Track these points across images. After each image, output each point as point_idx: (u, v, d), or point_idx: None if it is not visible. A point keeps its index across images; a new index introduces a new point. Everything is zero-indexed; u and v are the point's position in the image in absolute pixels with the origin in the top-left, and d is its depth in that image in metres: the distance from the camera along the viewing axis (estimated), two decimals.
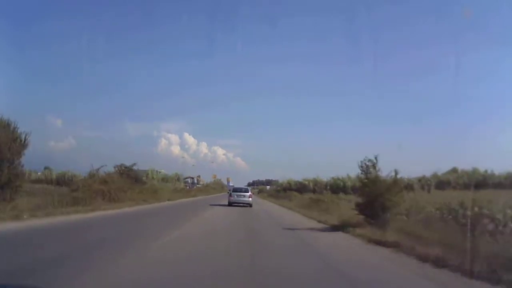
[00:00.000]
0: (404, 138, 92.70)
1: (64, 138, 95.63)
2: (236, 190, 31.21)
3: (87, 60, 74.77)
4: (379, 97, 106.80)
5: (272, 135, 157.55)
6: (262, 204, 37.86)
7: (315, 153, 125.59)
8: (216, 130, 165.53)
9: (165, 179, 38.80)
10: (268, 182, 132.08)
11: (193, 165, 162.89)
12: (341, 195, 41.82)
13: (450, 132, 75.56)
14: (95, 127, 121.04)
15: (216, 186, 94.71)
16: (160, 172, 38.30)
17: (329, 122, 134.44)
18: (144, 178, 34.70)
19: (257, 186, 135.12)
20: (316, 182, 54.76)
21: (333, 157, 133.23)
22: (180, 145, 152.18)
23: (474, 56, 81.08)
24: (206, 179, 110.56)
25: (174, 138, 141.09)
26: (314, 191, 52.73)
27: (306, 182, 55.89)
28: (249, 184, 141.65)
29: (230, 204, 28.43)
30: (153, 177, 35.11)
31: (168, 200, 30.95)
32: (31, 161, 24.71)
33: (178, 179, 42.57)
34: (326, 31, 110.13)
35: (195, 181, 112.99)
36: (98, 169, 24.26)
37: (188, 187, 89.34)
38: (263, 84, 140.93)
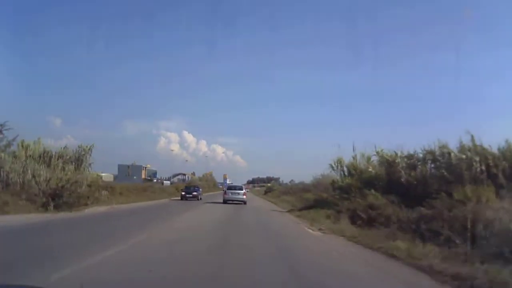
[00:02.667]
0: None
1: (63, 137, 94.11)
2: (230, 188, 32.74)
3: (87, 60, 73.83)
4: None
5: (271, 134, 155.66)
6: None
7: (313, 152, 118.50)
8: (216, 129, 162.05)
9: (49, 154, 22.01)
10: (269, 180, 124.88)
11: (186, 160, 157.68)
12: None
13: None
14: (94, 126, 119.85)
15: (204, 184, 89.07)
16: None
17: (328, 121, 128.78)
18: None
19: (258, 184, 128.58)
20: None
21: (334, 155, 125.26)
22: (180, 143, 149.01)
23: None
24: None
25: (173, 136, 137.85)
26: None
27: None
28: (248, 182, 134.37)
29: (225, 201, 28.60)
30: (27, 148, 21.04)
31: None
32: None
33: (80, 161, 24.12)
34: (327, 36, 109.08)
35: (188, 178, 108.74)
36: None
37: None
38: (262, 83, 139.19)
